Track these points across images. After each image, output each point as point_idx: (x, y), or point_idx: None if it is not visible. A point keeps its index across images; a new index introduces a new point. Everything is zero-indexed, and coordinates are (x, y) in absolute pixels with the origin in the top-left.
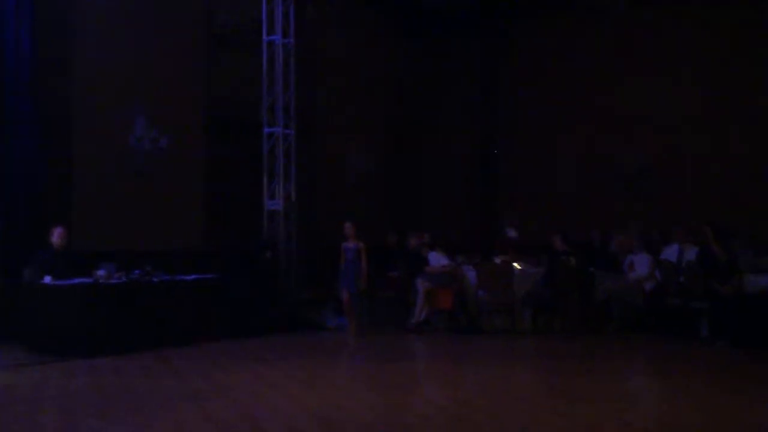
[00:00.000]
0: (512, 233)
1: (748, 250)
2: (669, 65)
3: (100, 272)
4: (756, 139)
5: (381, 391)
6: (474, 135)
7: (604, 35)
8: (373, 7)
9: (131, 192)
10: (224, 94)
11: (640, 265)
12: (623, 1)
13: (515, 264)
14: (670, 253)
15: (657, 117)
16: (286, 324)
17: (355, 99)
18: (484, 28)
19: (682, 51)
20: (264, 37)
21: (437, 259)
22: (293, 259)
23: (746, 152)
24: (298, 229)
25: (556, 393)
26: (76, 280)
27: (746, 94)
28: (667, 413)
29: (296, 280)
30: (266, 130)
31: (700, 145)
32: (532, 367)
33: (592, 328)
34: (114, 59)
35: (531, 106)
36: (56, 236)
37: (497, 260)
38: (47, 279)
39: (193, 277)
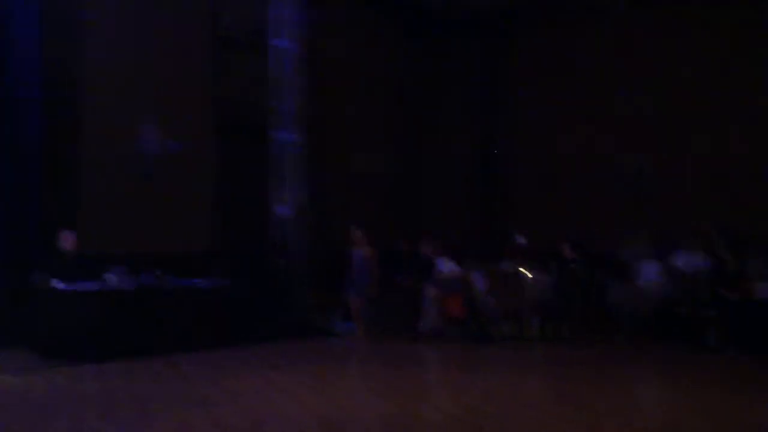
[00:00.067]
0: (522, 240)
1: (759, 257)
2: (669, 65)
3: (110, 277)
4: (756, 139)
5: (389, 398)
6: (474, 135)
7: (604, 35)
8: (373, 8)
9: (140, 196)
10: (233, 97)
11: (649, 272)
12: (623, 1)
13: (524, 271)
14: (679, 260)
15: (657, 117)
16: (296, 330)
17: (360, 102)
18: (486, 29)
19: (682, 51)
20: (270, 41)
21: (447, 266)
22: (303, 265)
23: (746, 152)
24: (308, 235)
25: (565, 400)
26: (86, 285)
27: (746, 94)
28: (675, 421)
29: (305, 285)
30: (274, 134)
31: (700, 145)
32: (541, 375)
33: (601, 335)
34: (122, 63)
35: (531, 107)
36: (66, 241)
37: (506, 267)
38: (56, 283)
39: (203, 282)
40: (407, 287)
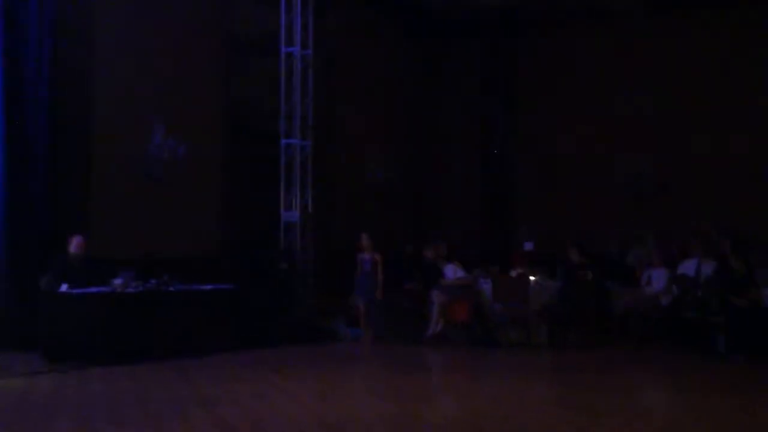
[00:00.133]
0: (529, 246)
1: (766, 263)
2: (669, 65)
3: (117, 281)
4: (756, 139)
5: (395, 402)
6: (474, 136)
7: (604, 35)
8: (373, 8)
9: (149, 200)
10: (243, 102)
11: (658, 279)
12: (623, 1)
13: (531, 277)
14: (688, 267)
15: (657, 117)
16: (302, 334)
17: (360, 103)
18: (486, 29)
19: (682, 51)
20: (282, 48)
21: (453, 272)
22: (309, 269)
23: (746, 152)
24: (315, 239)
25: (571, 406)
26: (94, 289)
27: (746, 94)
28: (681, 428)
29: (312, 290)
30: (284, 141)
31: (700, 145)
32: (547, 380)
33: (609, 342)
34: (133, 67)
35: (532, 107)
36: (74, 245)
37: (514, 273)
38: (64, 287)
39: (209, 286)
40: (414, 292)
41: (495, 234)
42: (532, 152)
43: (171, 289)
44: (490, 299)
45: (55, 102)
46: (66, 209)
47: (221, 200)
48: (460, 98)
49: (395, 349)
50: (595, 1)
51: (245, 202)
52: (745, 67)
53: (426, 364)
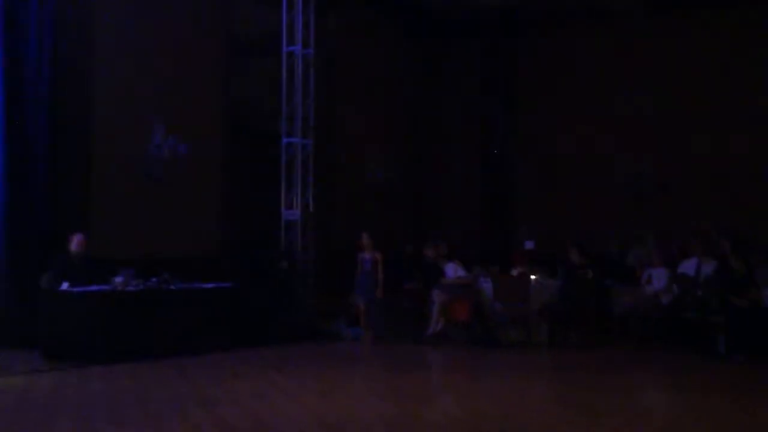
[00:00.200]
0: (530, 245)
1: (766, 262)
2: (669, 65)
3: (118, 279)
4: (756, 139)
5: (395, 402)
6: (474, 136)
7: (604, 35)
8: (373, 8)
9: (149, 199)
10: (243, 102)
11: (658, 278)
12: (624, 3)
13: (532, 276)
14: (688, 266)
15: (657, 117)
16: (302, 333)
17: (360, 103)
18: (486, 29)
19: (682, 51)
20: (283, 47)
21: (454, 271)
22: (310, 269)
23: (746, 152)
24: (315, 239)
25: (572, 406)
26: (94, 287)
27: (746, 94)
28: (680, 427)
29: (312, 289)
30: (285, 140)
31: (700, 145)
32: (548, 380)
33: (609, 341)
34: (133, 67)
35: (531, 106)
36: (75, 243)
37: (514, 272)
38: (65, 285)
39: (210, 285)
40: (414, 291)
41: (495, 234)
42: (532, 152)
43: (171, 287)
44: (491, 298)
45: (55, 102)
46: (66, 209)
47: (221, 200)
48: (460, 98)
49: (395, 348)
50: (595, 1)
51: (245, 202)
52: (745, 67)
53: (426, 364)
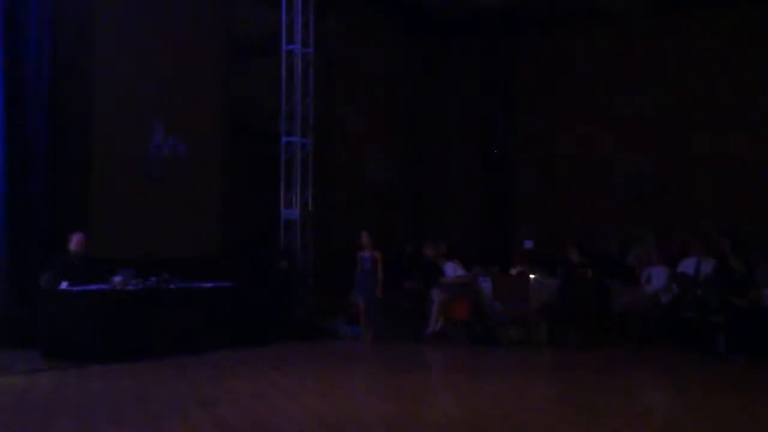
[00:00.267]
0: (529, 244)
1: (766, 262)
2: (669, 65)
3: (117, 278)
4: (756, 139)
5: (394, 401)
6: (474, 136)
7: (604, 35)
8: (373, 8)
9: (149, 200)
10: (243, 102)
11: (657, 277)
12: (624, 3)
13: (531, 275)
14: (688, 265)
15: (657, 117)
16: (301, 332)
17: (360, 103)
18: (486, 29)
19: (682, 51)
20: (283, 46)
21: (453, 270)
22: (309, 268)
23: (746, 152)
24: (314, 238)
25: (571, 406)
26: (94, 286)
27: (746, 94)
28: (679, 427)
29: (312, 289)
30: (284, 139)
31: (700, 145)
32: (547, 379)
33: (609, 341)
34: (133, 67)
35: (531, 106)
36: (74, 243)
37: (514, 271)
38: (64, 285)
39: (209, 284)
40: (414, 291)
41: (495, 233)
42: (532, 152)
43: (171, 286)
44: (490, 297)
45: (55, 102)
46: (66, 209)
47: (221, 200)
48: (460, 98)
49: (395, 347)
50: (595, 1)
51: (245, 202)
52: (745, 67)
53: (426, 363)
